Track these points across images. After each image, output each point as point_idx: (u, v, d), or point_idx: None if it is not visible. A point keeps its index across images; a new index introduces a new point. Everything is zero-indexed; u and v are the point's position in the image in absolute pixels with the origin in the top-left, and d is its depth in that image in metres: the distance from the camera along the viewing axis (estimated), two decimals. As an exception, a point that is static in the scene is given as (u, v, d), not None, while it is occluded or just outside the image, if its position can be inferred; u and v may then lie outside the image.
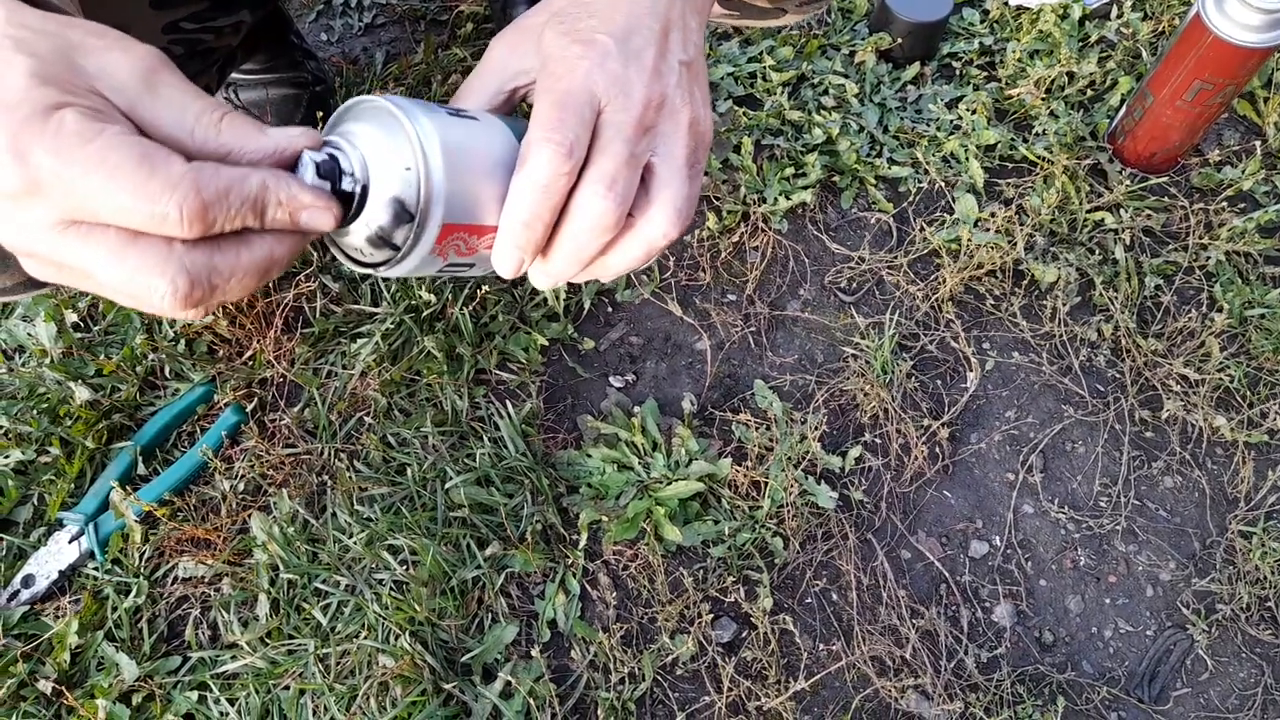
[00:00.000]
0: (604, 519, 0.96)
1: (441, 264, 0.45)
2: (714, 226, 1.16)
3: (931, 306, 1.12)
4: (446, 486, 0.96)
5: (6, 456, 0.96)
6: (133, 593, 0.91)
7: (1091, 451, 1.05)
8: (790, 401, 1.06)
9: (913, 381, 1.07)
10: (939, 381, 1.08)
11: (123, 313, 1.06)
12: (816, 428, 1.03)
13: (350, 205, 0.41)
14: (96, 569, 0.93)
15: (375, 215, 0.41)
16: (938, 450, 1.04)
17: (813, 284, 1.16)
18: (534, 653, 0.89)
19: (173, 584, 0.93)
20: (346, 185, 0.41)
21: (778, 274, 1.16)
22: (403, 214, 0.41)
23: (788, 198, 1.19)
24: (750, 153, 1.21)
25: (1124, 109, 1.21)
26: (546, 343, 1.08)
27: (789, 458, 1.00)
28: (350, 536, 0.93)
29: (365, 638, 0.88)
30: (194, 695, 0.87)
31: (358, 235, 0.42)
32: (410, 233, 0.42)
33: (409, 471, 0.97)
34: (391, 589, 0.90)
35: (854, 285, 1.15)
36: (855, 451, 1.02)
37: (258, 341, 1.03)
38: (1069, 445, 1.05)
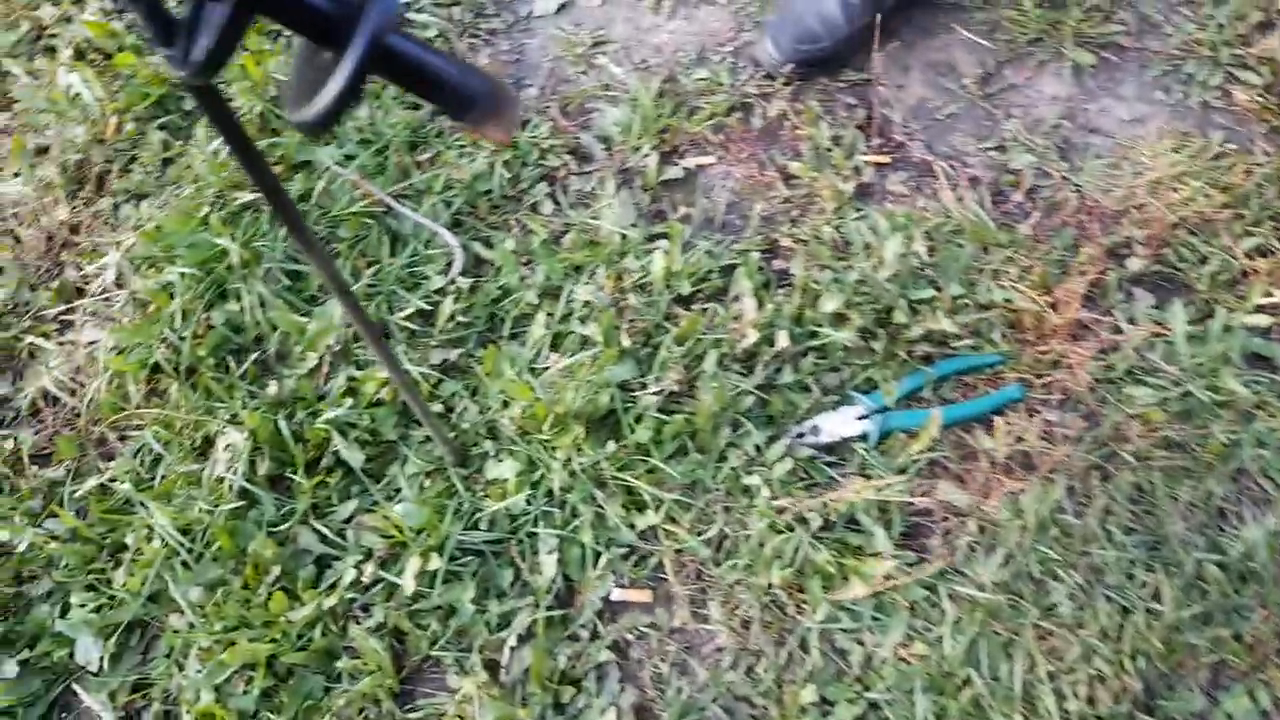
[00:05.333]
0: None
1: None
2: None
3: None
4: None
5: (840, 332, 1.14)
6: (892, 486, 1.05)
7: None
8: None
9: None
10: None
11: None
12: None
13: None
14: (865, 450, 1.08)
15: None
16: None
17: None
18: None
19: (923, 496, 1.06)
20: None
21: None
22: None
23: None
24: None
25: None
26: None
27: None
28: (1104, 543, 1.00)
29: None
30: (923, 592, 0.99)
31: None
32: None
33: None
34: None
35: None
36: None
37: (1058, 344, 1.13)
38: None
